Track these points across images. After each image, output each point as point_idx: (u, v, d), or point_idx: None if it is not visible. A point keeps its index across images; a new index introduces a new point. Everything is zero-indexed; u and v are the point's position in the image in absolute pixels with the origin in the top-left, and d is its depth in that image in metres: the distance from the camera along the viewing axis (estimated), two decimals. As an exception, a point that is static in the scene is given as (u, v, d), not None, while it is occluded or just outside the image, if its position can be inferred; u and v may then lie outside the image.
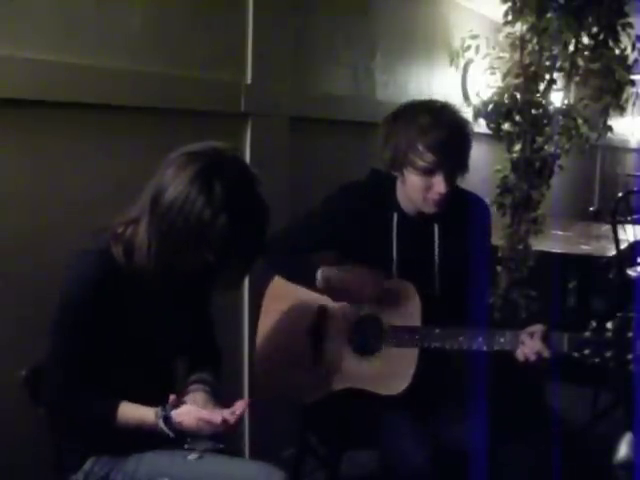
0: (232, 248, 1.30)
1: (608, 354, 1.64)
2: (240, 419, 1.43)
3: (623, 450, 2.61)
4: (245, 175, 1.34)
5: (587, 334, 1.67)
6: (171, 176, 1.30)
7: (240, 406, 1.42)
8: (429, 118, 1.71)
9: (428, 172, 1.71)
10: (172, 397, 1.40)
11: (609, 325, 1.66)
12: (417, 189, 1.75)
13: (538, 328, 1.69)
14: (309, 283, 1.81)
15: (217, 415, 1.39)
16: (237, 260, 1.35)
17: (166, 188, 1.30)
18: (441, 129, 1.70)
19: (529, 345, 1.67)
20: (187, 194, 1.27)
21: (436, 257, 1.85)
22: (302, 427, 2.03)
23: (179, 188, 1.28)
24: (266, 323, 1.94)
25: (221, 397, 1.54)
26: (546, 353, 1.66)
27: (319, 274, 1.78)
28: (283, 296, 1.91)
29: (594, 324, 1.67)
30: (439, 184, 1.72)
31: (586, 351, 1.65)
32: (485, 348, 1.72)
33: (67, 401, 1.43)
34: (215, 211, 1.26)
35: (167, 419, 1.38)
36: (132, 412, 1.41)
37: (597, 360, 1.65)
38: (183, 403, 1.43)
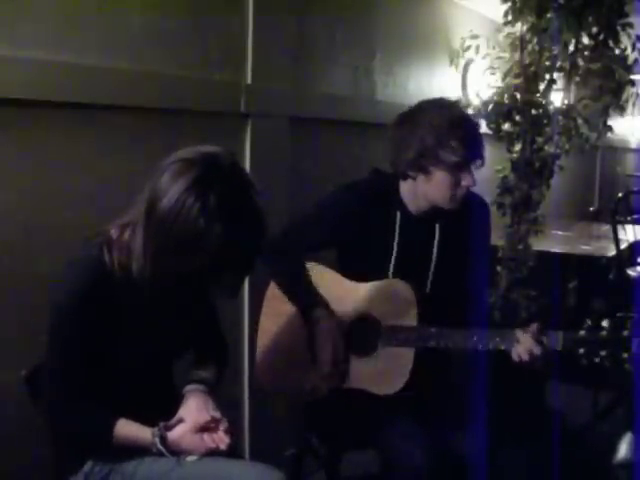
0: (227, 257, 1.29)
1: (603, 353, 1.64)
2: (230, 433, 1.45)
3: (623, 450, 2.62)
4: (242, 183, 1.32)
5: (582, 333, 1.66)
6: (166, 184, 1.28)
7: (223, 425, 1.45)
8: (456, 113, 1.74)
9: (458, 167, 1.71)
10: (161, 424, 1.41)
11: (604, 324, 1.66)
12: (446, 186, 1.74)
13: (533, 327, 1.69)
14: (301, 310, 1.81)
15: (210, 441, 1.42)
16: (232, 269, 1.34)
17: (162, 196, 1.28)
18: (468, 123, 1.74)
19: (525, 345, 1.67)
20: (182, 203, 1.25)
21: (436, 256, 1.85)
22: (302, 427, 2.03)
23: (174, 197, 1.26)
24: (266, 323, 1.94)
25: (220, 396, 1.55)
26: (537, 350, 1.66)
27: (313, 314, 1.78)
28: (282, 297, 1.89)
29: (589, 322, 1.67)
30: (468, 178, 1.73)
31: (581, 350, 1.65)
32: (480, 347, 1.72)
33: (64, 415, 1.43)
34: (210, 221, 1.25)
35: (163, 440, 1.40)
36: (129, 431, 1.41)
37: (591, 359, 1.65)
38: (179, 421, 1.43)
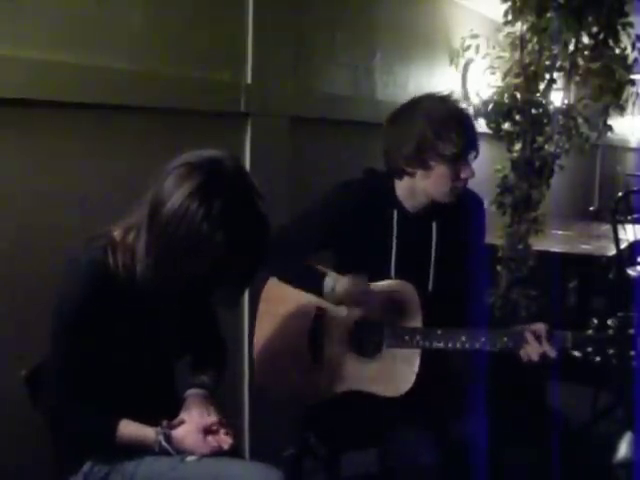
0: (230, 262, 1.29)
1: (611, 351, 1.65)
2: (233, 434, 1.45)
3: (623, 449, 2.62)
4: (245, 188, 1.32)
5: (590, 332, 1.67)
6: (170, 188, 1.29)
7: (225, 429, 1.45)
8: (452, 106, 1.75)
9: (456, 159, 1.72)
10: (165, 422, 1.41)
11: (610, 322, 1.66)
12: (445, 179, 1.74)
13: (541, 327, 1.69)
14: (313, 290, 1.80)
15: (211, 443, 1.42)
16: (235, 275, 1.34)
17: (165, 200, 1.28)
18: (464, 115, 1.76)
19: (533, 345, 1.67)
20: (185, 209, 1.26)
21: (434, 255, 1.84)
22: (302, 427, 2.03)
23: (178, 202, 1.27)
24: (263, 326, 1.92)
25: (220, 396, 1.55)
26: (552, 353, 1.66)
27: (327, 283, 1.77)
28: (279, 298, 1.89)
29: (595, 322, 1.67)
30: (467, 170, 1.73)
31: (589, 349, 1.66)
32: (488, 348, 1.71)
33: (66, 416, 1.43)
34: (213, 227, 1.25)
35: (168, 437, 1.40)
36: (131, 430, 1.41)
37: (600, 358, 1.65)
38: (182, 422, 1.44)
